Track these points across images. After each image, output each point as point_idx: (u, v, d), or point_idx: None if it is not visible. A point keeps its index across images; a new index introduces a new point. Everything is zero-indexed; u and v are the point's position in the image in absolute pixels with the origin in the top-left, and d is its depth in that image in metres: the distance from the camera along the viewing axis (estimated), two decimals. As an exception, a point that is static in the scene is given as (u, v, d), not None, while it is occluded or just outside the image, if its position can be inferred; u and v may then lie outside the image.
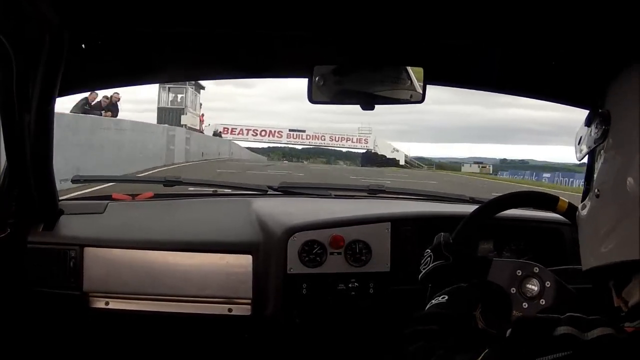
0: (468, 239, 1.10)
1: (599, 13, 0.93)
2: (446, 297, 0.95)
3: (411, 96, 1.34)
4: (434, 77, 1.33)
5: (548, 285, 0.99)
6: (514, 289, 0.99)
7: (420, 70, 1.31)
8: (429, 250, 1.09)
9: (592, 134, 0.70)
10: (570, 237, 1.49)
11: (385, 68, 1.35)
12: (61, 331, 1.59)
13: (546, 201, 1.13)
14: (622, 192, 0.63)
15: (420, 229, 1.60)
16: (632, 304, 0.63)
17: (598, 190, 0.67)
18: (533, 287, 0.98)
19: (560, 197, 1.10)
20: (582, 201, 0.73)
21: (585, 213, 0.71)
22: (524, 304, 0.98)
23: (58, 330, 1.59)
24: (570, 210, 1.10)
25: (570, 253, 1.46)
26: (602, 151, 0.69)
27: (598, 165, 0.69)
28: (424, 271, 1.07)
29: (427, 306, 0.97)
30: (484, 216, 1.14)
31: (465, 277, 1.02)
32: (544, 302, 0.98)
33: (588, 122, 0.72)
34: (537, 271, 1.00)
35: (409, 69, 1.32)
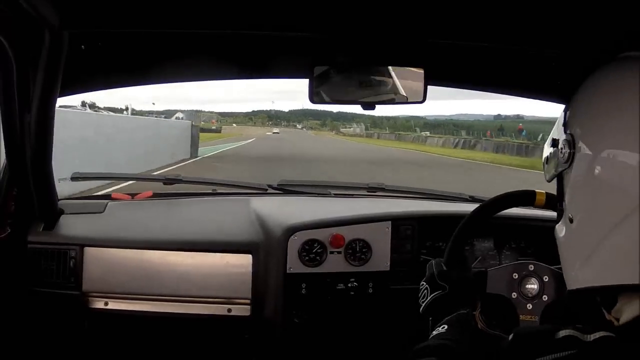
0: (459, 257, 1.09)
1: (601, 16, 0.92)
2: (446, 327, 0.94)
3: (411, 96, 1.34)
4: (434, 78, 1.33)
5: (546, 280, 0.99)
6: (514, 293, 0.99)
7: (421, 70, 1.31)
8: (424, 283, 1.07)
9: (559, 157, 0.69)
10: None
11: (385, 68, 1.35)
12: (60, 331, 1.59)
13: (525, 198, 1.10)
14: (593, 220, 0.63)
15: (420, 228, 1.60)
16: (623, 322, 0.62)
17: (571, 215, 0.67)
18: (532, 286, 0.99)
19: (537, 191, 1.07)
20: (557, 221, 0.72)
21: (561, 237, 0.70)
22: (527, 305, 0.98)
23: (57, 331, 1.59)
24: (550, 201, 1.07)
25: None
26: (569, 175, 0.67)
27: (567, 189, 0.68)
28: (423, 305, 1.05)
29: (429, 338, 0.95)
30: (467, 232, 1.11)
31: (465, 301, 1.01)
32: (546, 298, 0.98)
33: (553, 144, 0.71)
34: (532, 269, 1.00)
35: (409, 68, 1.33)
